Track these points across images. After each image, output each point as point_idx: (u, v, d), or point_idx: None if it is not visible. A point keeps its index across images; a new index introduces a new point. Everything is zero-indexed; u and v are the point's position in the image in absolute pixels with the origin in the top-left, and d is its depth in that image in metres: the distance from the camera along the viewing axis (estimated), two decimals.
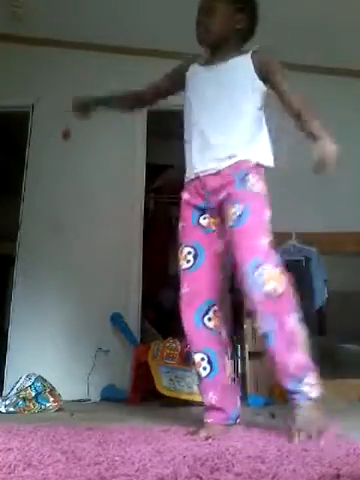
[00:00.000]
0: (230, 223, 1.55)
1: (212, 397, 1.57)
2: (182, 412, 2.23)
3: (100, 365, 3.20)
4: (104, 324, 3.28)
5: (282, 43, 3.35)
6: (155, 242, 4.26)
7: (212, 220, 1.67)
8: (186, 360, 2.92)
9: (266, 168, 1.64)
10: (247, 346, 3.08)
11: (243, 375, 3.08)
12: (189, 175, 1.76)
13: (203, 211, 1.68)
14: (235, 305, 3.50)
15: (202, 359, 1.60)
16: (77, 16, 3.41)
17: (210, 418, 1.57)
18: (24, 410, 2.43)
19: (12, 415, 2.35)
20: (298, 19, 3.18)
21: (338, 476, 0.92)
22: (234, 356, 3.37)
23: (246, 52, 1.67)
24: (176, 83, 1.89)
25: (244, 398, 2.92)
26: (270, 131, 1.68)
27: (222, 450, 1.16)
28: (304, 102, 1.56)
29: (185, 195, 1.76)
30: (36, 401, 2.48)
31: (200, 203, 1.68)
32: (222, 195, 1.60)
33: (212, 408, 1.58)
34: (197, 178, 1.69)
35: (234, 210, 1.54)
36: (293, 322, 1.46)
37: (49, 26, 3.53)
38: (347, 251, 3.29)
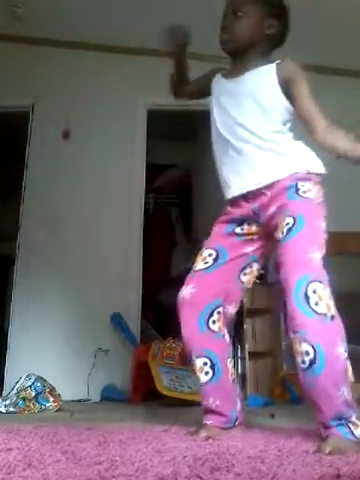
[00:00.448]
0: (280, 236, 1.43)
1: (213, 403, 1.53)
2: (182, 412, 2.23)
3: (100, 365, 3.20)
4: (104, 324, 3.28)
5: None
6: (155, 242, 4.27)
7: (253, 231, 1.57)
8: (186, 360, 2.93)
9: (318, 175, 1.53)
10: (247, 346, 3.08)
11: (243, 375, 3.09)
12: (228, 195, 1.60)
13: (243, 222, 1.58)
14: None
15: (205, 364, 1.52)
16: (77, 16, 3.41)
17: (209, 420, 1.56)
18: (24, 410, 2.43)
19: (12, 415, 2.35)
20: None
21: (338, 476, 0.92)
22: (234, 356, 3.38)
23: (271, 62, 1.56)
24: (204, 89, 1.76)
25: (244, 398, 2.93)
26: None
27: (222, 450, 1.16)
28: (319, 120, 1.48)
29: (228, 208, 1.62)
30: (36, 401, 2.48)
31: (243, 212, 1.56)
32: (272, 209, 1.49)
33: (211, 412, 1.56)
34: (240, 197, 1.56)
35: (285, 222, 1.42)
36: (343, 352, 1.29)
37: (49, 26, 3.53)
38: (350, 252, 3.28)
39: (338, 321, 1.32)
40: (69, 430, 1.52)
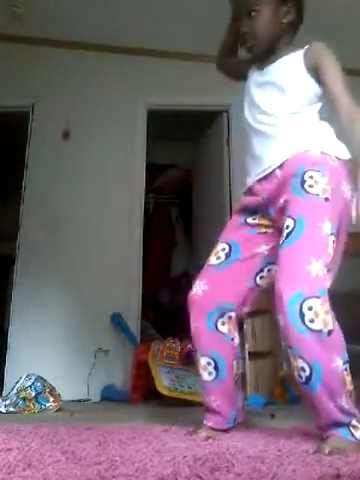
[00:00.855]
0: (280, 240, 1.38)
1: (214, 402, 1.53)
2: (182, 412, 2.23)
3: (100, 365, 3.20)
4: (104, 324, 3.28)
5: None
6: (155, 242, 4.27)
7: (265, 223, 1.53)
8: (186, 360, 2.93)
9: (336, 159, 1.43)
10: (247, 346, 3.07)
11: (243, 375, 3.08)
12: (247, 185, 1.59)
13: (256, 212, 1.54)
14: None
15: (208, 363, 1.51)
16: (77, 16, 3.41)
17: (209, 422, 1.56)
18: (24, 410, 2.43)
19: (12, 415, 2.35)
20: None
21: (338, 476, 0.92)
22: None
23: (299, 48, 1.52)
24: (241, 74, 1.71)
25: (244, 398, 2.92)
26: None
27: (222, 450, 1.16)
28: (352, 121, 1.37)
29: (243, 200, 1.60)
30: (36, 401, 2.48)
31: (255, 203, 1.53)
32: (280, 203, 1.45)
33: (211, 411, 1.56)
34: (255, 184, 1.54)
35: (285, 225, 1.37)
36: (341, 366, 1.27)
37: (49, 26, 3.53)
38: (348, 252, 3.28)
39: (336, 335, 1.29)
40: (69, 430, 1.52)
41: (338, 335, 1.30)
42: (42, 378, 2.60)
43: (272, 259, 1.51)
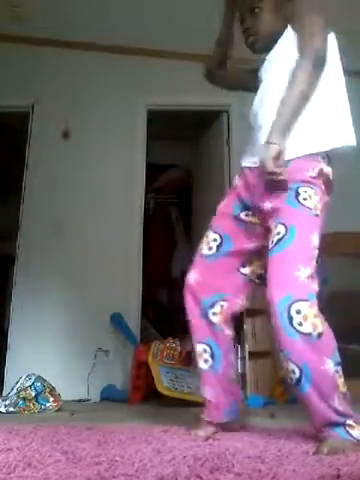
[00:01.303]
0: (270, 246, 1.40)
1: (209, 392, 1.55)
2: (182, 412, 2.23)
3: (100, 365, 3.20)
4: (104, 324, 3.28)
5: None
6: (155, 242, 4.27)
7: (254, 219, 1.55)
8: (186, 360, 2.93)
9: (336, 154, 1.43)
10: (247, 346, 3.08)
11: (243, 375, 3.08)
12: (245, 162, 1.57)
13: (248, 208, 1.55)
14: None
15: (204, 350, 1.55)
16: (77, 16, 3.41)
17: (206, 416, 1.57)
18: (24, 410, 2.43)
19: (12, 415, 2.35)
20: None
21: (338, 476, 0.92)
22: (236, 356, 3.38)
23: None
24: (243, 83, 1.75)
25: (244, 398, 2.92)
26: None
27: (222, 450, 1.16)
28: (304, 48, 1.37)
29: (236, 180, 1.60)
30: (36, 401, 2.48)
31: (246, 198, 1.54)
32: (267, 205, 1.45)
33: (208, 404, 1.57)
34: (248, 168, 1.54)
35: (276, 231, 1.39)
36: (332, 367, 1.28)
37: (49, 26, 3.53)
38: (347, 252, 3.28)
39: (326, 337, 1.30)
40: (69, 430, 1.53)
41: (328, 338, 1.31)
42: (42, 378, 2.60)
43: (256, 256, 1.57)
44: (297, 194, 1.39)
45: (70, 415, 2.26)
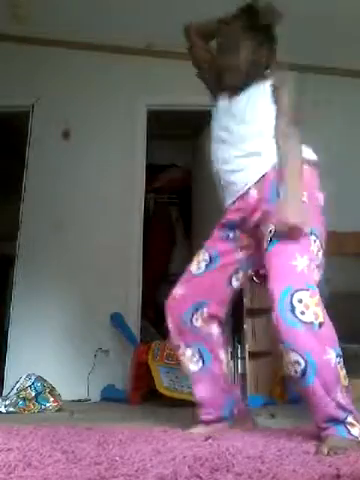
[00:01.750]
0: (265, 245, 1.45)
1: (203, 391, 1.57)
2: (182, 412, 2.23)
3: (100, 365, 3.20)
4: (104, 324, 3.28)
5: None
6: (155, 242, 4.26)
7: (243, 235, 1.63)
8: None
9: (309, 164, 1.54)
10: (247, 346, 3.08)
11: (243, 375, 3.08)
12: (226, 203, 1.68)
13: (236, 227, 1.63)
14: (235, 305, 3.50)
15: (193, 354, 1.59)
16: (77, 16, 3.41)
17: (203, 416, 1.58)
18: (24, 410, 2.43)
19: (12, 415, 2.35)
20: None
21: (338, 476, 0.92)
22: (234, 356, 3.38)
23: (267, 77, 1.64)
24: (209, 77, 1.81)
25: (244, 398, 2.92)
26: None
27: (222, 450, 1.17)
28: (285, 137, 1.52)
29: (223, 219, 1.68)
30: (36, 401, 2.48)
31: (233, 217, 1.63)
32: (257, 215, 1.53)
33: (203, 404, 1.58)
34: (232, 204, 1.63)
35: (268, 230, 1.45)
36: (334, 358, 1.29)
37: (49, 26, 3.53)
38: (347, 252, 3.28)
39: (327, 328, 1.32)
40: (69, 430, 1.53)
41: (329, 327, 1.33)
42: (42, 378, 2.60)
43: (247, 265, 1.65)
44: (278, 193, 1.46)
45: (70, 415, 2.26)
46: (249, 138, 1.59)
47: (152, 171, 4.05)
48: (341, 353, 1.32)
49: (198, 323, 1.59)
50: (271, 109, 1.59)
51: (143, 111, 3.76)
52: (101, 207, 3.54)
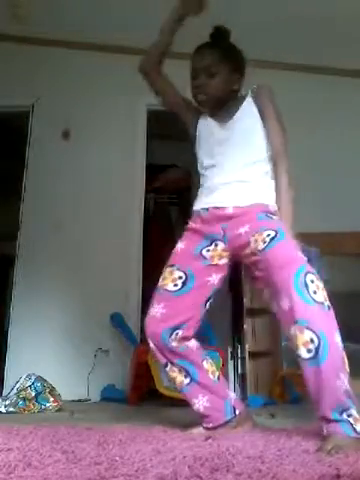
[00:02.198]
0: (261, 246, 1.48)
1: (202, 400, 1.58)
2: (182, 412, 2.23)
3: (100, 365, 3.20)
4: (104, 324, 3.28)
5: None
6: (155, 242, 4.26)
7: (219, 253, 1.63)
8: None
9: None
10: (247, 346, 3.08)
11: (243, 375, 3.09)
12: (202, 205, 1.68)
13: (212, 242, 1.63)
14: (235, 305, 3.50)
15: (179, 370, 1.60)
16: (77, 16, 3.41)
17: (208, 424, 1.58)
18: (24, 410, 2.43)
19: (12, 415, 2.35)
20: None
21: (338, 476, 0.92)
22: (234, 356, 3.38)
23: (245, 96, 1.69)
24: (189, 116, 1.86)
25: (244, 398, 2.92)
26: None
27: (222, 450, 1.16)
28: (281, 145, 1.62)
29: (193, 224, 1.68)
30: (36, 401, 2.48)
31: (213, 231, 1.62)
32: (243, 229, 1.55)
33: (206, 412, 1.58)
34: (213, 208, 1.63)
35: (265, 234, 1.49)
36: (340, 342, 1.34)
37: (49, 26, 3.53)
38: (347, 252, 3.28)
39: (333, 312, 1.37)
40: (69, 430, 1.53)
41: (334, 313, 1.38)
42: (42, 378, 2.60)
43: (218, 288, 1.68)
44: (267, 215, 1.55)
45: (70, 415, 2.26)
46: (246, 164, 1.63)
47: (152, 171, 4.05)
48: (346, 348, 1.37)
49: (174, 344, 1.60)
50: (260, 126, 1.65)
51: (143, 111, 3.76)
52: (101, 207, 3.55)
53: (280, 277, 1.41)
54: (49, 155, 3.63)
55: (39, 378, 2.59)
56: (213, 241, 1.63)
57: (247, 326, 3.13)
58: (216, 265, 1.64)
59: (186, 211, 4.63)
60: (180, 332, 1.60)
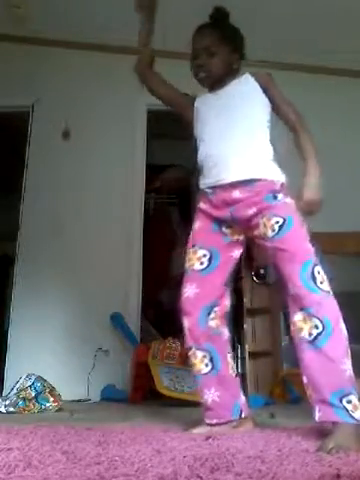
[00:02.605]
0: (270, 234, 1.50)
1: (214, 393, 1.58)
2: (182, 412, 2.23)
3: (100, 365, 3.20)
4: (104, 324, 3.28)
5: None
6: (155, 242, 4.26)
7: (234, 231, 1.66)
8: (186, 360, 2.92)
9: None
10: (247, 346, 3.08)
11: (243, 375, 3.08)
12: (207, 183, 1.66)
13: (224, 222, 1.65)
14: (235, 305, 3.50)
15: (204, 356, 1.60)
16: (77, 16, 3.41)
17: (212, 419, 1.58)
18: (24, 410, 2.43)
19: (12, 415, 2.34)
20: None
21: (338, 476, 0.92)
22: (234, 356, 3.38)
23: (242, 74, 1.72)
24: (177, 103, 1.95)
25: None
26: (278, 153, 1.69)
27: (222, 450, 1.16)
28: (298, 117, 1.64)
29: (203, 206, 1.69)
30: (36, 401, 2.48)
31: (222, 215, 1.63)
32: (251, 210, 1.56)
33: (213, 406, 1.58)
34: (218, 188, 1.62)
35: (274, 221, 1.50)
36: (345, 328, 1.39)
37: (49, 26, 3.53)
38: (348, 251, 3.28)
39: (336, 303, 1.42)
40: (69, 430, 1.53)
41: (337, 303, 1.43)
42: (42, 378, 2.60)
43: (238, 261, 1.71)
44: (275, 197, 1.54)
45: (70, 415, 2.26)
46: (246, 131, 1.64)
47: (152, 171, 4.05)
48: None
49: (214, 323, 1.62)
50: (265, 102, 1.67)
51: (143, 111, 3.76)
52: (101, 207, 3.55)
53: (288, 269, 1.46)
54: (49, 155, 3.63)
55: (39, 378, 2.58)
56: (225, 222, 1.66)
57: (247, 326, 3.13)
58: (237, 240, 1.67)
59: (186, 211, 4.65)
60: (217, 309, 1.63)
